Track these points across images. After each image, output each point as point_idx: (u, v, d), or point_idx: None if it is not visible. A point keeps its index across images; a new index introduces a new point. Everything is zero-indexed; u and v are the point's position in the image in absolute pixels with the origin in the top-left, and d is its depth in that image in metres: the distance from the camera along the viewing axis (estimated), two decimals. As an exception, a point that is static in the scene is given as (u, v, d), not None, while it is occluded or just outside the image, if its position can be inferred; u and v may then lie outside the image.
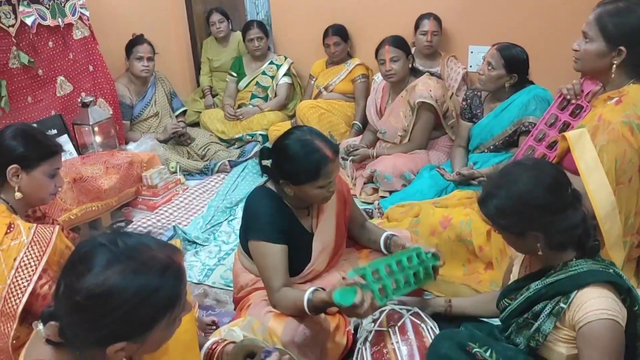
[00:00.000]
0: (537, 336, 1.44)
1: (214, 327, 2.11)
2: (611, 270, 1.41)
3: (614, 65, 1.88)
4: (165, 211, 3.12)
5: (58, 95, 3.27)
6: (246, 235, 1.94)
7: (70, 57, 3.32)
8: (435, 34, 3.65)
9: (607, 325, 1.31)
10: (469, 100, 3.00)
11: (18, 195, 1.79)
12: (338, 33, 4.00)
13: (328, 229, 2.01)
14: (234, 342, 1.39)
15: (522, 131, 2.70)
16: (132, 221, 3.05)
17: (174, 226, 2.11)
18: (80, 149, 3.28)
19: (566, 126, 2.29)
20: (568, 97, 2.27)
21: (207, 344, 1.40)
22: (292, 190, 1.84)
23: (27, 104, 3.09)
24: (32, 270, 1.67)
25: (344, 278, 1.79)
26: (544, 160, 1.57)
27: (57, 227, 1.82)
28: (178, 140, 3.86)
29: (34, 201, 1.87)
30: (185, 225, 2.97)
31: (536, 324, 1.44)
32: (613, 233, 1.92)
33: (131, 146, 3.52)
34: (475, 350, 1.44)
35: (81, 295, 0.95)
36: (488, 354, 1.45)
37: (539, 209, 1.40)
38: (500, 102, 2.81)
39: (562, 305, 1.39)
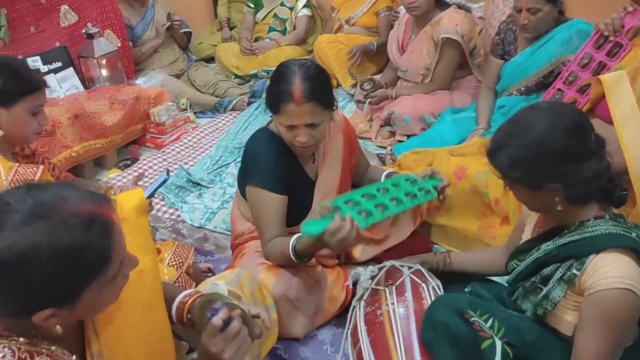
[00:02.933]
0: (545, 303, 1.30)
1: (210, 274, 2.04)
2: (634, 234, 1.23)
3: None
4: (172, 150, 3.01)
5: (62, 25, 3.12)
6: (244, 179, 1.81)
7: (74, -16, 3.15)
8: None
9: (621, 296, 1.15)
10: (502, 35, 2.70)
11: (-1, 132, 1.68)
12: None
13: (332, 176, 1.86)
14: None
15: (560, 71, 2.43)
16: (139, 159, 2.95)
17: (167, 169, 1.99)
18: (87, 83, 3.17)
19: (602, 67, 2.04)
20: (606, 33, 2.01)
21: (179, 297, 1.29)
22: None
23: (30, 34, 2.96)
24: (11, 213, 1.58)
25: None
26: (561, 102, 1.36)
27: (42, 166, 1.72)
28: (177, 34, 3.78)
29: (15, 139, 1.76)
30: (192, 166, 2.86)
31: (544, 290, 1.29)
32: (646, 191, 1.72)
33: (140, 81, 3.39)
34: (473, 319, 1.31)
35: None
36: (489, 323, 1.31)
37: (558, 157, 1.22)
38: (537, 39, 2.52)
39: (574, 271, 1.23)
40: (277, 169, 1.72)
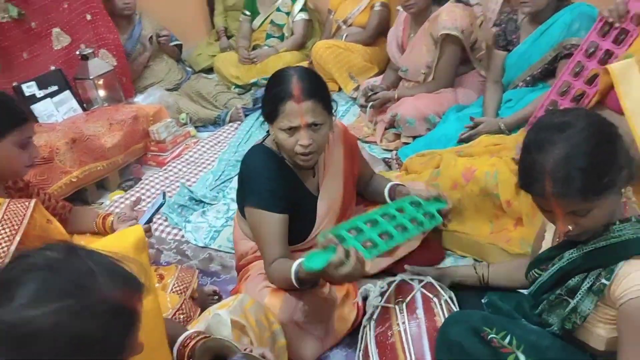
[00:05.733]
0: (573, 317, 1.22)
1: (216, 297, 1.98)
2: None
3: None
4: (175, 167, 2.96)
5: (55, 48, 3.09)
6: (242, 200, 1.76)
7: (65, 7, 3.10)
8: None
9: None
10: (503, 25, 2.63)
11: (-15, 169, 1.64)
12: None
13: (334, 188, 1.80)
14: (207, 337, 1.22)
15: (564, 55, 2.34)
16: (141, 179, 2.91)
17: (163, 192, 1.93)
18: (85, 104, 3.13)
19: (608, 56, 1.95)
20: (610, 19, 1.92)
21: (181, 338, 1.24)
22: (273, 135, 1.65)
23: (23, 60, 2.94)
24: (4, 252, 1.53)
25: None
26: (564, 110, 1.26)
27: (34, 200, 1.66)
28: (166, 48, 3.80)
29: (7, 174, 1.71)
30: (195, 183, 2.81)
31: (572, 303, 1.21)
32: (664, 183, 1.63)
33: (138, 98, 3.35)
34: (490, 336, 1.23)
35: None
36: (507, 341, 1.24)
37: (612, 148, 1.14)
38: (539, 24, 2.44)
39: (604, 281, 1.16)
40: (276, 188, 1.66)
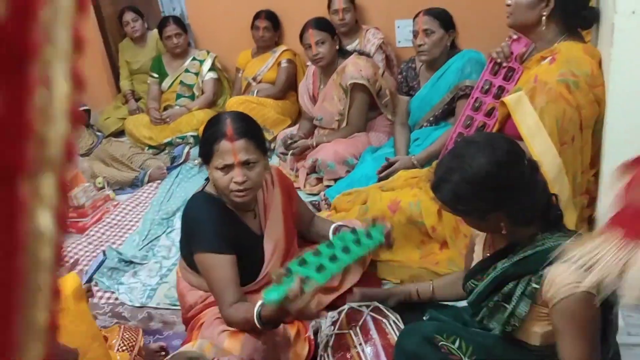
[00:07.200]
0: (512, 320, 1.35)
1: (163, 353, 1.94)
2: None
3: (544, 17, 1.88)
4: (97, 232, 2.89)
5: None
6: (189, 248, 1.77)
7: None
8: (347, 11, 3.54)
9: (582, 298, 1.22)
10: (404, 73, 2.93)
11: None
12: (270, 18, 3.87)
13: (277, 227, 1.87)
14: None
15: (460, 96, 2.64)
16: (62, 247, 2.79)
17: (103, 251, 1.91)
18: (-7, 176, 2.98)
19: (501, 91, 2.24)
20: (499, 60, 2.22)
21: None
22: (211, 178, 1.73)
23: None
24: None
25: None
26: (495, 135, 1.47)
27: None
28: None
29: None
30: (120, 245, 2.75)
31: (509, 308, 1.34)
32: (563, 195, 1.87)
33: (51, 166, 3.24)
34: (441, 343, 1.35)
35: None
36: (457, 344, 1.36)
37: (498, 188, 1.28)
38: (436, 71, 2.75)
39: (534, 285, 1.29)
40: (221, 230, 1.71)
